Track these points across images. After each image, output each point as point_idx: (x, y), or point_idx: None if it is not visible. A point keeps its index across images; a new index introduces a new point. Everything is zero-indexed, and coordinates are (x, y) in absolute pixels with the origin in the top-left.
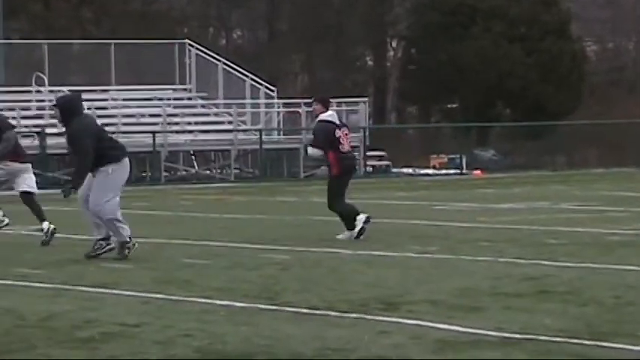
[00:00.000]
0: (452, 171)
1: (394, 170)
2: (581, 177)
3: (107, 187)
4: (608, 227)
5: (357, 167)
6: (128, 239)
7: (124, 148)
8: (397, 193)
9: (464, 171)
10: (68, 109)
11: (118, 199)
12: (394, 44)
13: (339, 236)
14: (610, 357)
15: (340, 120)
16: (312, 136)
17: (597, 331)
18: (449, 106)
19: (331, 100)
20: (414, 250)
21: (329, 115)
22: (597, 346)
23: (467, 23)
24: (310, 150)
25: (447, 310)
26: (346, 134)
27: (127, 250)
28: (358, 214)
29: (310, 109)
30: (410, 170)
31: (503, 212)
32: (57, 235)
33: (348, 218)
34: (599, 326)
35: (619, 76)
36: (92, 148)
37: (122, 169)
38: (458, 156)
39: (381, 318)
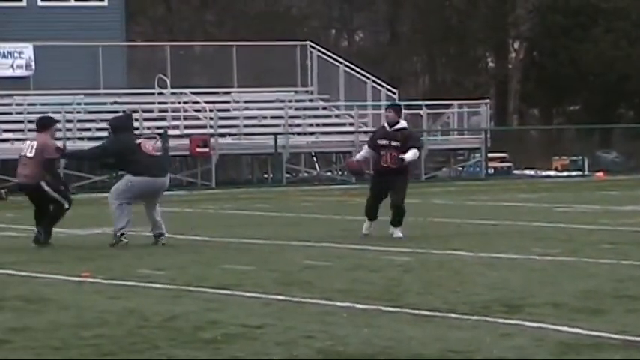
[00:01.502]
0: (574, 173)
1: (516, 172)
2: None
3: (126, 189)
4: None
5: None
6: (119, 233)
7: (152, 169)
8: (519, 195)
9: (586, 173)
10: (116, 127)
11: (130, 204)
12: (516, 46)
13: (397, 235)
14: None
15: None
16: (404, 143)
17: None
18: (571, 108)
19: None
20: (536, 252)
21: (405, 122)
22: None
23: (588, 24)
24: (411, 154)
25: (569, 313)
26: None
27: (114, 241)
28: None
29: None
30: (532, 172)
31: (625, 214)
32: (179, 236)
33: (403, 217)
34: None
35: None
36: (111, 155)
37: (141, 184)
38: (580, 158)
39: (502, 320)
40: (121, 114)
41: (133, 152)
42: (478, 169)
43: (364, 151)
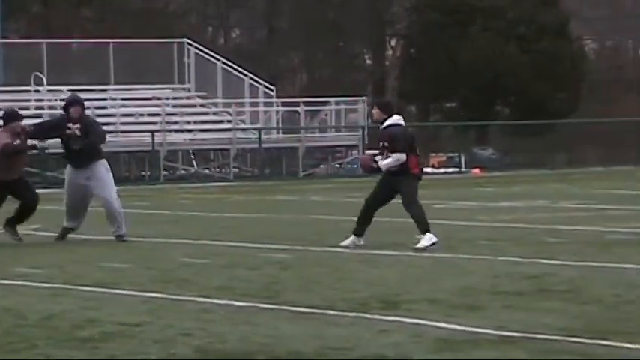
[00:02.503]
0: (451, 170)
1: None
2: (581, 175)
3: None
4: (608, 225)
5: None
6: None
7: None
8: None
9: (463, 170)
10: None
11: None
12: (393, 43)
13: (421, 244)
14: (609, 355)
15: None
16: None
17: (597, 329)
18: (448, 105)
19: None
20: (413, 248)
21: (398, 118)
22: (597, 344)
23: (466, 22)
24: (392, 159)
25: (446, 309)
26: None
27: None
28: (429, 230)
29: (318, 108)
30: None
31: (502, 211)
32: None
33: (422, 223)
34: (599, 325)
35: (618, 75)
36: None
37: None
38: (457, 155)
39: (380, 317)
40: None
41: None
42: (356, 166)
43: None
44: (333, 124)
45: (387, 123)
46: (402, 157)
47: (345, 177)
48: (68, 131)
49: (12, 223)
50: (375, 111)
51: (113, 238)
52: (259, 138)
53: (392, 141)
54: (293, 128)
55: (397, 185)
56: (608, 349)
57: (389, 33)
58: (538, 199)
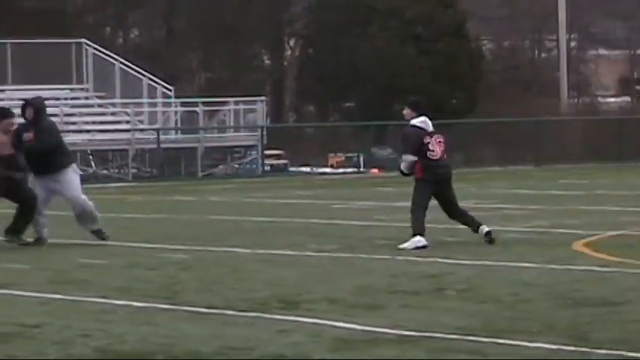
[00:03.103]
0: (349, 169)
1: (292, 169)
2: (478, 175)
3: None
4: (505, 225)
5: (451, 176)
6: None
7: None
8: (295, 192)
9: (361, 169)
10: (41, 109)
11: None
12: (292, 43)
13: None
14: (507, 354)
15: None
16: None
17: (494, 328)
18: (346, 104)
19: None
20: (312, 248)
21: (421, 120)
22: (494, 343)
23: (364, 22)
24: (403, 163)
25: (345, 309)
26: (439, 141)
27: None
28: (420, 235)
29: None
30: (308, 169)
31: (400, 210)
32: None
33: (415, 227)
34: (496, 323)
35: (515, 75)
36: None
37: None
38: (355, 154)
39: (279, 317)
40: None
41: None
42: (254, 166)
43: None
44: (232, 124)
45: (412, 122)
46: (408, 157)
47: (244, 177)
48: (25, 135)
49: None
50: (406, 111)
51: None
52: (158, 138)
53: (402, 141)
54: (192, 128)
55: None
56: (506, 348)
57: (287, 33)
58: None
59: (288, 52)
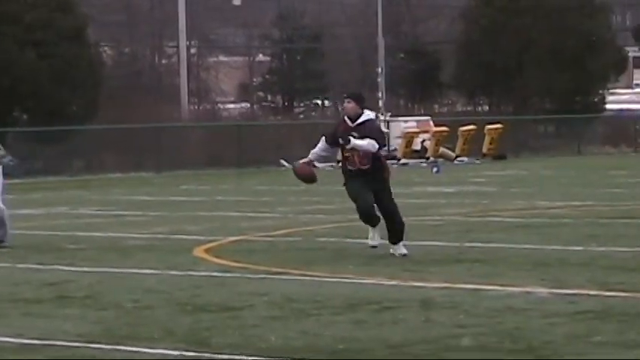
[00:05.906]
0: None
1: None
2: (100, 182)
3: None
4: (127, 231)
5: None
6: None
7: None
8: None
9: None
10: None
11: None
12: None
13: (400, 251)
14: None
15: None
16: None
17: (116, 334)
18: None
19: None
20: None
21: (372, 113)
22: (116, 350)
23: None
24: (365, 142)
25: None
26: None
27: None
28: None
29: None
30: None
31: (21, 218)
32: None
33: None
34: (118, 330)
35: (137, 81)
36: None
37: None
38: None
39: None
40: None
41: None
42: None
43: (319, 147)
44: None
45: (364, 117)
46: (375, 144)
47: None
48: None
49: None
50: (350, 104)
51: None
52: None
53: (374, 133)
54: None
55: (372, 185)
56: (126, 354)
57: None
58: (57, 206)
59: None
